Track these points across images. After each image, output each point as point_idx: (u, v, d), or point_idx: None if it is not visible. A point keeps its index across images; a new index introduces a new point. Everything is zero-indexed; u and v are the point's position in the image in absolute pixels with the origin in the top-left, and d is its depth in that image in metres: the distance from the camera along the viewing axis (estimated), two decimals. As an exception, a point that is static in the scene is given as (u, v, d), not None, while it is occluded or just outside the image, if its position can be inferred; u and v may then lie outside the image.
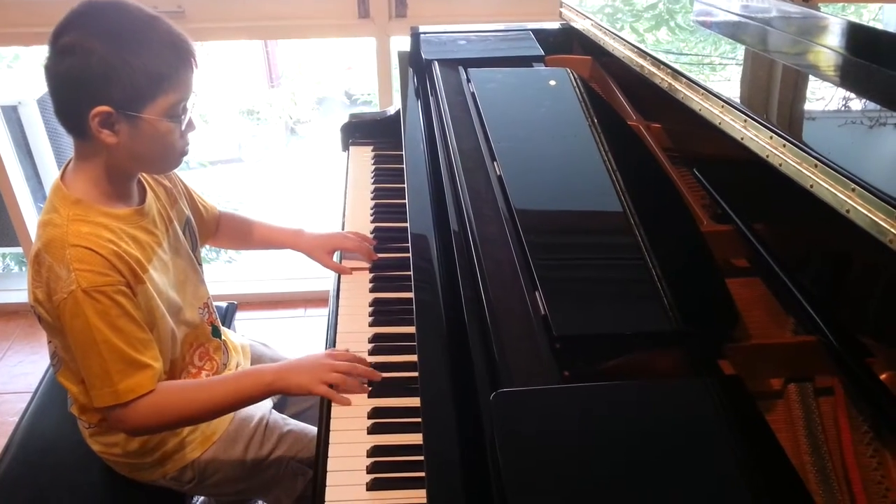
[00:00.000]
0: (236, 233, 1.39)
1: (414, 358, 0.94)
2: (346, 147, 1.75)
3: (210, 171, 3.95)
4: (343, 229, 1.45)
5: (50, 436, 1.27)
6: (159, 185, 1.16)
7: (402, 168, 1.33)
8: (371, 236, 1.40)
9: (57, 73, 0.95)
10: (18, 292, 2.50)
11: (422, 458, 0.79)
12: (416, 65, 1.63)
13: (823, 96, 1.03)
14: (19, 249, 2.52)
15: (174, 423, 1.11)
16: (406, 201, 1.22)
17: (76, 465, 1.21)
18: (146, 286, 1.03)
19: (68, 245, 0.96)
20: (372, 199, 1.52)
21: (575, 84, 1.34)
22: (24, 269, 2.79)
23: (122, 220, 1.03)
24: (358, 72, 4.91)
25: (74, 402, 1.16)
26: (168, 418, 1.06)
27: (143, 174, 1.12)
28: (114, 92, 0.93)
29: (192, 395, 1.06)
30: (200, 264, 1.24)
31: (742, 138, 0.92)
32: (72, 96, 0.95)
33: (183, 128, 1.01)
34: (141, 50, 0.94)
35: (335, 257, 1.35)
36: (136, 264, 1.01)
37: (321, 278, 2.42)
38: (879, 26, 1.16)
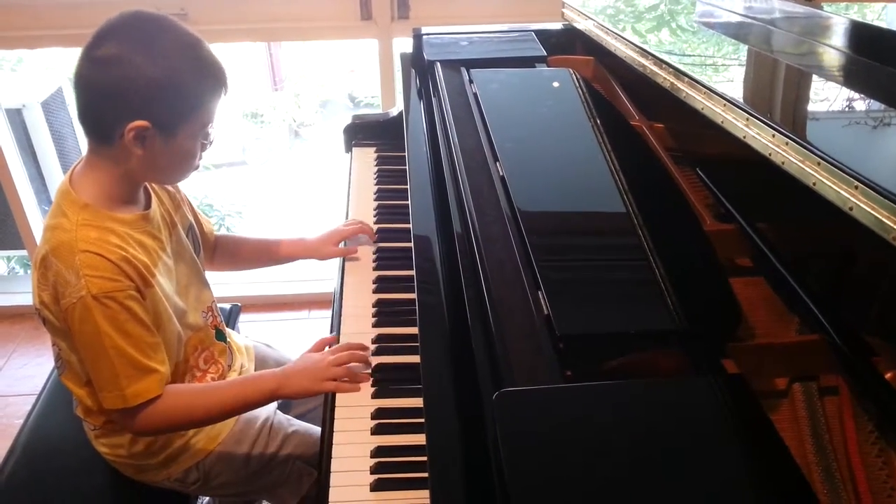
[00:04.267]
0: (235, 252, 1.37)
1: (417, 358, 0.94)
2: (349, 148, 1.75)
3: (214, 174, 3.95)
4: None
5: (55, 438, 1.27)
6: (163, 189, 1.17)
7: (405, 169, 1.33)
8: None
9: (95, 82, 0.95)
10: (23, 295, 2.51)
11: (425, 458, 0.79)
12: (418, 66, 1.64)
13: (827, 96, 1.03)
14: (24, 252, 2.53)
15: (178, 426, 1.12)
16: (409, 202, 1.22)
17: (81, 466, 1.21)
18: (154, 289, 1.03)
19: (78, 251, 0.96)
20: (375, 200, 1.52)
21: (577, 84, 1.34)
22: (28, 272, 2.80)
23: (129, 224, 1.03)
24: (361, 74, 4.92)
25: (79, 405, 1.16)
26: (172, 422, 1.07)
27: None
28: (155, 110, 0.95)
29: (198, 401, 1.07)
30: (204, 268, 1.24)
31: (744, 137, 0.92)
32: (109, 106, 0.95)
33: (205, 149, 1.05)
34: (186, 73, 0.96)
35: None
36: (144, 269, 1.01)
37: (325, 280, 2.42)
38: (883, 25, 1.15)
